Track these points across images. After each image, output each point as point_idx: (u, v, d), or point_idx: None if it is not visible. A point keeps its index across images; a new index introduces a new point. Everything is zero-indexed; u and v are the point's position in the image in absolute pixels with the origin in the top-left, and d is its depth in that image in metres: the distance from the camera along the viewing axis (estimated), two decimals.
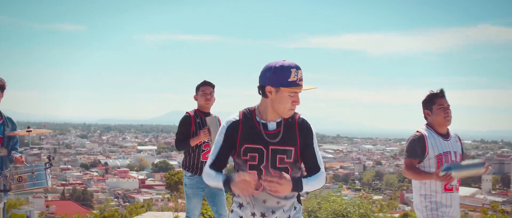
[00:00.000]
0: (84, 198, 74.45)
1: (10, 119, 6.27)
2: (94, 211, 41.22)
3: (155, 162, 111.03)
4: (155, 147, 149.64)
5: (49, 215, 44.22)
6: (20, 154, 6.21)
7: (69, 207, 52.77)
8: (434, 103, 5.18)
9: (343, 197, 15.71)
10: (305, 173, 3.66)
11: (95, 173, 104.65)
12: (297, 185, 3.44)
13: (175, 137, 6.44)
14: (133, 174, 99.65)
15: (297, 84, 3.48)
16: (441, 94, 5.20)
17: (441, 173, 4.76)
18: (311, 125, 3.67)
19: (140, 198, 70.19)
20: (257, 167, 3.52)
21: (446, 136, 5.21)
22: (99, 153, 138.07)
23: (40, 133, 6.55)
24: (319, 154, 3.70)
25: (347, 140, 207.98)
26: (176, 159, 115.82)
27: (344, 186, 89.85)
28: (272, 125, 3.58)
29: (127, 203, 62.92)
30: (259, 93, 3.59)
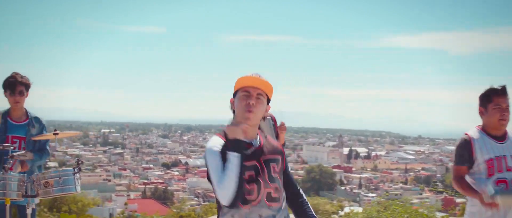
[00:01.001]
0: (165, 197, 75.77)
1: (37, 120, 6.07)
2: (173, 210, 41.74)
3: None
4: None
5: (129, 213, 45.16)
6: (30, 162, 5.85)
7: (149, 206, 53.69)
8: (491, 101, 4.55)
9: (425, 200, 14.34)
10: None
11: (176, 173, 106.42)
12: None
13: None
14: None
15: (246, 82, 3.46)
16: (501, 92, 4.55)
17: (487, 198, 4.13)
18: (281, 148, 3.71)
19: None
20: (256, 181, 3.40)
21: (501, 138, 4.58)
22: (180, 153, 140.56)
23: (68, 136, 6.19)
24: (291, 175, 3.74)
25: (429, 141, 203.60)
26: None
27: (425, 188, 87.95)
28: (255, 142, 3.50)
29: (207, 203, 63.57)
30: (233, 117, 3.57)
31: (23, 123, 5.94)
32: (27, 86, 5.88)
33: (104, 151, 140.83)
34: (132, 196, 75.94)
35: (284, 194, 3.53)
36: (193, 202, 67.30)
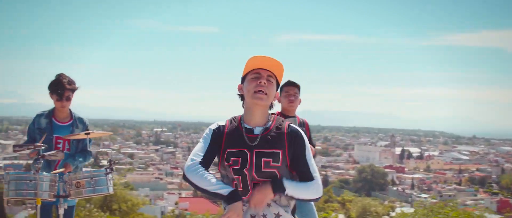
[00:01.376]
0: None
1: (81, 120, 6.05)
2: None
3: None
4: (319, 147, 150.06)
5: (180, 212, 45.52)
6: (73, 162, 5.87)
7: (200, 205, 53.98)
8: None
9: (480, 201, 13.57)
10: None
11: None
12: (276, 186, 3.23)
13: None
14: None
15: (257, 62, 3.36)
16: None
17: None
18: (302, 133, 3.43)
19: None
20: (240, 171, 3.28)
21: None
22: None
23: (99, 136, 6.03)
24: (313, 162, 3.42)
25: (484, 141, 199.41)
26: None
27: (480, 190, 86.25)
28: (257, 130, 3.37)
29: None
30: (242, 105, 3.48)
31: (67, 123, 5.94)
32: (74, 90, 5.88)
33: (156, 150, 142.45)
34: (183, 195, 76.58)
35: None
36: None
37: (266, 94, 3.31)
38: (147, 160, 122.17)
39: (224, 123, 3.43)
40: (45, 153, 5.21)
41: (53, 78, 5.84)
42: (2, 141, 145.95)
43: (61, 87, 5.75)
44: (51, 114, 5.93)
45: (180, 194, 76.49)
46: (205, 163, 3.31)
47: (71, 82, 5.83)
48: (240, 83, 3.45)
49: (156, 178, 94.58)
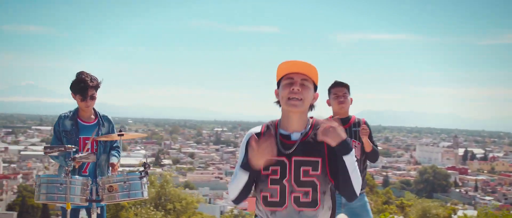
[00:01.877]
0: None
1: (106, 118, 5.83)
2: None
3: None
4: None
5: (239, 211, 45.75)
6: (117, 159, 5.71)
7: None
8: None
9: None
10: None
11: None
12: (347, 144, 3.04)
13: None
14: None
15: (289, 67, 3.19)
16: None
17: None
18: None
19: None
20: (279, 182, 3.13)
21: None
22: None
23: (133, 137, 5.77)
24: (356, 167, 3.16)
25: None
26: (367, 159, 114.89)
27: None
28: (295, 136, 3.19)
29: None
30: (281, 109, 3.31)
31: (93, 123, 5.71)
32: (97, 88, 5.65)
33: (217, 150, 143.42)
34: None
35: (325, 201, 3.16)
36: None
37: (301, 99, 3.12)
38: (208, 159, 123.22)
39: (259, 130, 3.28)
40: (76, 156, 5.05)
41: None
42: None
43: (84, 87, 5.51)
44: (75, 114, 5.69)
45: None
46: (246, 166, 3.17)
47: (93, 80, 5.58)
48: (276, 88, 3.27)
49: (216, 177, 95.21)
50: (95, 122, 5.73)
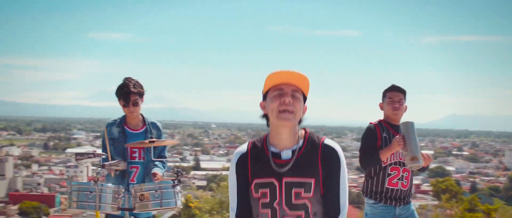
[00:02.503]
0: (359, 201, 75.37)
1: (155, 125, 5.68)
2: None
3: (431, 167, 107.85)
4: (432, 152, 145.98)
5: None
6: (161, 170, 5.53)
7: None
8: None
9: None
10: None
11: None
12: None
13: (359, 154, 5.31)
14: None
15: (279, 77, 2.85)
16: None
17: None
18: (339, 152, 2.92)
19: (416, 203, 69.02)
20: (270, 205, 2.87)
21: None
22: None
23: (164, 144, 5.53)
24: (346, 192, 2.92)
25: None
26: (454, 165, 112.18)
27: None
28: (286, 154, 2.89)
29: None
30: (267, 124, 3.00)
31: (140, 130, 5.61)
32: (141, 94, 5.51)
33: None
34: None
35: None
36: None
37: (292, 112, 2.82)
38: None
39: (245, 149, 2.97)
40: (105, 163, 4.95)
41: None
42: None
43: (126, 92, 5.41)
44: (123, 122, 5.61)
45: None
46: (245, 210, 2.94)
47: (137, 86, 5.46)
48: (262, 100, 2.97)
49: None
50: (143, 129, 5.62)
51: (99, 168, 4.87)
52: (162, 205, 4.83)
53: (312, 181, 2.84)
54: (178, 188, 4.95)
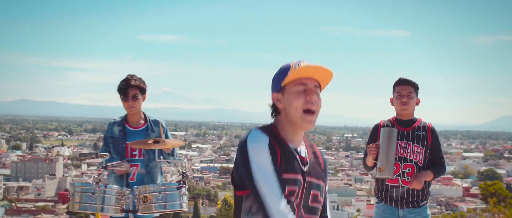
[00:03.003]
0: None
1: (156, 123, 5.48)
2: None
3: (481, 170, 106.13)
4: (482, 154, 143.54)
5: None
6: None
7: None
8: None
9: None
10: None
11: None
12: None
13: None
14: (457, 181, 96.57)
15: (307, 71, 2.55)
16: None
17: None
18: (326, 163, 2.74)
19: (464, 207, 67.71)
20: (291, 205, 2.50)
21: None
22: None
23: (169, 145, 5.13)
24: (327, 202, 2.77)
25: None
26: (505, 168, 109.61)
27: None
28: (303, 151, 2.62)
29: (450, 212, 61.20)
30: (272, 115, 2.66)
31: (141, 128, 5.41)
32: (141, 89, 5.31)
33: (346, 156, 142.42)
34: (372, 201, 75.58)
35: None
36: (434, 210, 65.12)
37: (315, 112, 2.55)
38: (337, 165, 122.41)
39: (267, 138, 2.53)
40: (109, 164, 4.82)
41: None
42: (200, 145, 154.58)
43: (125, 86, 5.22)
44: (124, 120, 5.44)
45: (369, 200, 75.58)
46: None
47: (137, 80, 5.28)
48: (274, 91, 2.63)
49: (345, 184, 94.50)
50: (144, 127, 5.42)
51: (102, 169, 4.76)
52: (166, 207, 4.65)
53: (323, 185, 2.68)
54: (183, 190, 4.74)
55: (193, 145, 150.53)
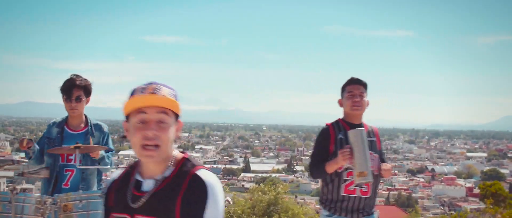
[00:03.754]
0: (408, 204, 74.33)
1: (98, 127, 5.18)
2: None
3: (484, 170, 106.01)
4: (485, 154, 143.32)
5: None
6: (104, 158, 5.06)
7: (392, 213, 53.02)
8: None
9: None
10: None
11: (421, 179, 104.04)
12: None
13: (309, 160, 4.61)
14: (460, 181, 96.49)
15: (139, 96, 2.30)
16: None
17: None
18: (212, 187, 2.27)
19: (467, 207, 67.70)
20: None
21: None
22: (426, 159, 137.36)
23: (88, 150, 4.81)
24: None
25: None
26: (508, 168, 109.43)
27: None
28: (148, 185, 2.33)
29: (453, 212, 61.21)
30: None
31: (81, 131, 5.09)
32: (86, 90, 5.02)
33: None
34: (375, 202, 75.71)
35: None
36: (437, 211, 65.17)
37: (157, 146, 2.27)
38: None
39: (117, 175, 2.48)
40: (25, 171, 4.49)
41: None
42: (204, 146, 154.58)
43: (68, 86, 4.93)
44: (63, 122, 5.12)
45: None
46: None
47: (83, 81, 4.98)
48: (125, 120, 2.38)
49: None
50: (84, 131, 5.09)
51: (17, 176, 4.49)
52: (89, 216, 4.34)
53: None
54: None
55: (197, 146, 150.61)
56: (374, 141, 4.59)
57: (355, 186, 4.36)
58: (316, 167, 4.42)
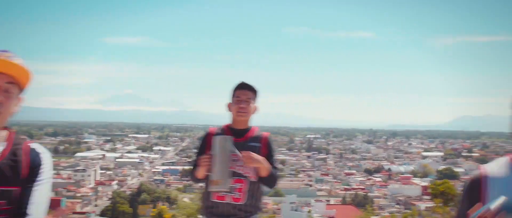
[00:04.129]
0: (365, 203, 75.19)
1: None
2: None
3: (439, 169, 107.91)
4: (441, 154, 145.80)
5: None
6: None
7: (348, 212, 53.60)
8: None
9: None
10: None
11: (378, 179, 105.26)
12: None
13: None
14: (416, 180, 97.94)
15: None
16: None
17: None
18: (42, 162, 2.40)
19: (422, 205, 68.67)
20: None
21: None
22: (383, 159, 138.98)
23: None
24: (41, 197, 2.40)
25: None
26: (463, 167, 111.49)
27: None
28: None
29: (408, 210, 61.97)
30: None
31: None
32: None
33: (308, 157, 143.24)
34: (332, 202, 76.28)
35: None
36: (393, 209, 65.96)
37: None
38: (298, 166, 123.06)
39: None
40: None
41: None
42: (163, 148, 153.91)
43: None
44: None
45: (328, 201, 76.20)
46: None
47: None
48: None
49: (305, 184, 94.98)
50: None
51: None
52: None
53: (15, 190, 2.33)
54: None
55: (155, 148, 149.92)
56: (258, 146, 4.31)
57: (214, 191, 4.19)
58: (191, 172, 4.32)
